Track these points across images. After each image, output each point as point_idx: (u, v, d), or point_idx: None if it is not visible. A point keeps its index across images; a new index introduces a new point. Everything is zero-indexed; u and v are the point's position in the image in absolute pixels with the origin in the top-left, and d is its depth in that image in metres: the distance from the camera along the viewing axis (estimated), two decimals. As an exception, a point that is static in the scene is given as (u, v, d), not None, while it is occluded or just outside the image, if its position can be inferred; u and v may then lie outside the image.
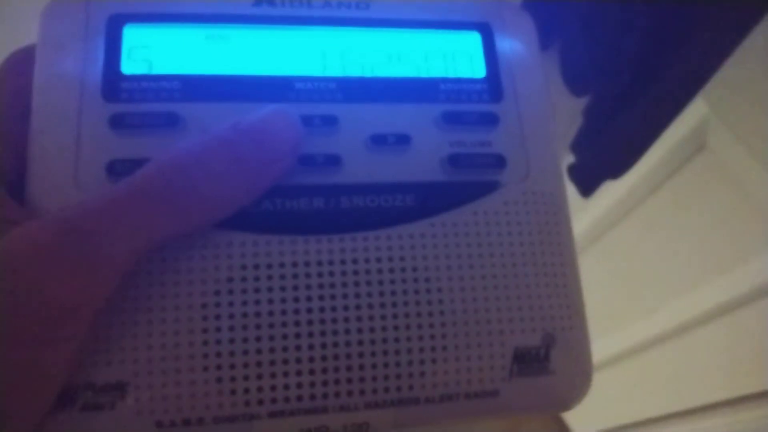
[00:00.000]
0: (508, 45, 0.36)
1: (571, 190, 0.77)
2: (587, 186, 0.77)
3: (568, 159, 0.77)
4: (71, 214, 0.25)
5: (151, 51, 0.32)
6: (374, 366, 0.29)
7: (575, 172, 0.77)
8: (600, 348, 1.18)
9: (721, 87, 0.67)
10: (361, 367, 0.29)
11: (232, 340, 0.28)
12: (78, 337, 0.25)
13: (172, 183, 0.26)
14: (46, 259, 0.24)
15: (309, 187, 0.31)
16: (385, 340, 0.30)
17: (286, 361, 0.29)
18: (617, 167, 0.75)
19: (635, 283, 1.08)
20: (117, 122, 0.30)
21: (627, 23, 0.65)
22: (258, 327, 0.29)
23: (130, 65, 0.32)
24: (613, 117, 0.72)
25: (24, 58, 0.32)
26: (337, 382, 0.29)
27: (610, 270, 1.13)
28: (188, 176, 0.27)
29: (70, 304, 0.24)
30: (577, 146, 0.76)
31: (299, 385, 0.29)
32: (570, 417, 1.57)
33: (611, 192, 1.00)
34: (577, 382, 0.33)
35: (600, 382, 1.17)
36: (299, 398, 0.29)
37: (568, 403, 0.33)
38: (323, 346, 0.29)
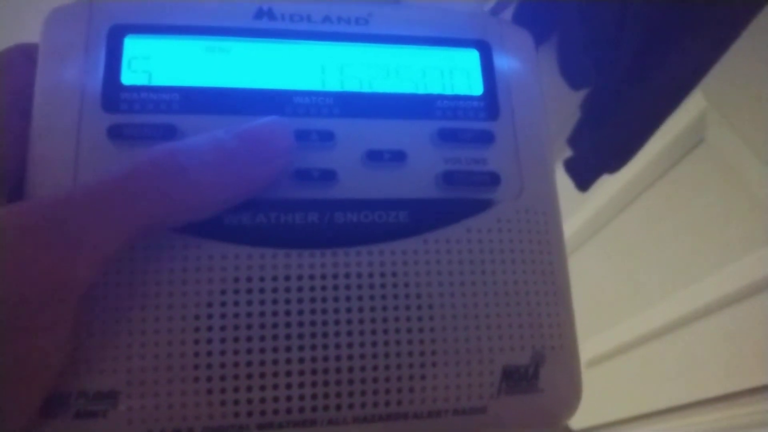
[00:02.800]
0: (506, 63, 0.36)
1: (568, 184, 0.77)
2: (584, 180, 0.77)
3: (566, 153, 0.77)
4: (58, 197, 0.26)
5: (151, 62, 0.33)
6: (363, 380, 0.30)
7: (572, 166, 0.77)
8: (598, 342, 1.19)
9: (719, 81, 0.67)
10: (351, 381, 0.30)
11: (223, 352, 0.29)
12: (63, 326, 0.25)
13: (161, 171, 0.27)
14: (28, 241, 0.24)
15: (304, 202, 0.31)
16: (375, 355, 0.30)
17: (276, 374, 0.29)
18: (615, 161, 0.75)
19: (633, 277, 1.08)
20: (115, 133, 0.31)
21: (625, 17, 0.65)
22: (249, 339, 0.29)
23: (129, 76, 0.32)
24: (610, 110, 0.71)
25: (23, 58, 0.32)
26: (326, 395, 0.29)
27: (608, 264, 1.13)
28: (178, 167, 0.27)
29: (50, 286, 0.24)
30: (574, 140, 0.76)
31: (288, 398, 0.29)
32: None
33: (610, 185, 1.00)
34: (566, 400, 0.33)
35: (597, 377, 1.17)
36: (288, 411, 0.29)
37: (557, 420, 0.33)
38: (313, 359, 0.29)
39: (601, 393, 1.27)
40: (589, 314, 1.17)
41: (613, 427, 1.34)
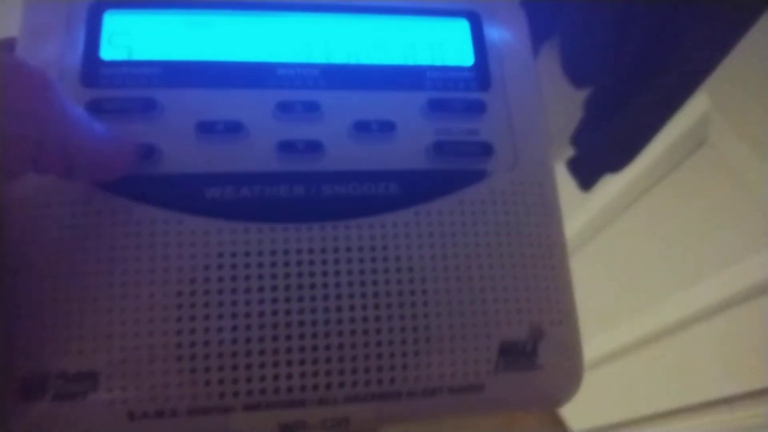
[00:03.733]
0: (497, 34, 0.36)
1: (570, 184, 0.77)
2: (587, 179, 0.77)
3: (569, 152, 0.77)
4: None
5: (132, 37, 0.32)
6: (354, 358, 0.29)
7: (575, 166, 0.76)
8: (598, 344, 1.18)
9: (722, 82, 0.67)
10: (341, 359, 0.29)
11: (206, 330, 0.28)
12: None
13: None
14: None
15: (289, 174, 0.31)
16: (366, 332, 0.29)
17: (262, 353, 0.28)
18: (617, 161, 0.75)
19: (635, 279, 1.08)
20: (94, 108, 0.30)
21: (628, 17, 0.65)
22: (234, 317, 0.28)
23: (109, 51, 0.32)
24: (613, 110, 0.71)
25: (6, 49, 0.31)
26: (315, 374, 0.28)
27: (610, 265, 1.13)
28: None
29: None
30: (577, 139, 0.76)
31: (276, 377, 0.28)
32: (566, 413, 1.57)
33: (612, 186, 1.00)
34: (566, 378, 0.32)
35: (598, 378, 1.16)
36: (276, 391, 0.28)
37: (557, 399, 0.32)
38: (302, 337, 0.28)
39: (601, 395, 1.26)
40: (590, 316, 1.16)
41: (613, 429, 1.33)
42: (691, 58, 0.62)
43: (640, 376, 1.18)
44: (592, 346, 1.22)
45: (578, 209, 1.10)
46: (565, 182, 0.75)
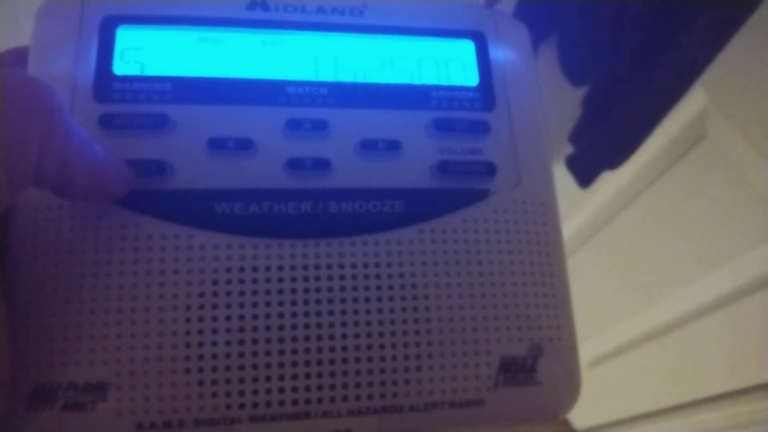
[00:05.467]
0: (501, 54, 0.36)
1: (569, 182, 0.77)
2: (586, 176, 0.77)
3: (567, 150, 0.77)
4: None
5: (144, 53, 0.33)
6: (358, 372, 0.29)
7: (574, 163, 0.77)
8: (600, 341, 1.18)
9: (720, 77, 0.67)
10: (345, 373, 0.29)
11: (214, 343, 0.28)
12: None
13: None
14: None
15: (297, 191, 0.31)
16: (369, 347, 0.30)
17: (268, 365, 0.29)
18: (616, 157, 0.75)
19: (635, 275, 1.08)
20: (107, 122, 0.31)
21: (624, 15, 0.65)
22: (241, 330, 0.29)
23: (122, 66, 0.32)
24: (610, 107, 0.72)
25: (18, 60, 0.32)
26: (320, 387, 0.29)
27: (610, 262, 1.13)
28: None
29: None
30: (575, 137, 0.76)
31: (281, 390, 0.29)
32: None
33: (612, 183, 1.00)
34: (564, 393, 0.33)
35: (600, 376, 1.16)
36: (281, 403, 0.29)
37: (556, 414, 0.33)
38: (307, 351, 0.29)
39: (605, 392, 1.26)
40: (591, 313, 1.16)
41: (617, 426, 1.34)
42: (685, 54, 0.62)
43: (642, 373, 1.18)
44: (594, 344, 1.23)
45: (578, 206, 1.10)
46: (564, 180, 0.75)
